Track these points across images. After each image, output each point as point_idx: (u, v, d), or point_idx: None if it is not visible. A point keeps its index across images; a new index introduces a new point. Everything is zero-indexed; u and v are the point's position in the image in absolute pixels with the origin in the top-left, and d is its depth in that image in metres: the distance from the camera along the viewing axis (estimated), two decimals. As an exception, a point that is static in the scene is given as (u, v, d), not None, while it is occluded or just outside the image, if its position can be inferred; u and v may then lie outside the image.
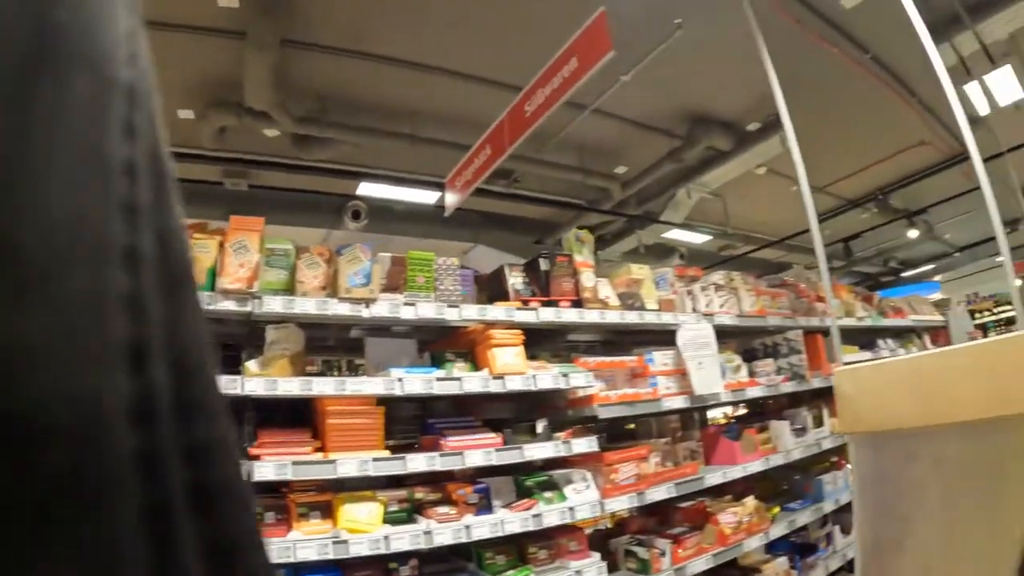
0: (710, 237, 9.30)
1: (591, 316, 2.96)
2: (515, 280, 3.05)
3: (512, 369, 2.78)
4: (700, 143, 6.97)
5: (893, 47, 6.11)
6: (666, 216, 8.68)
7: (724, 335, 4.32)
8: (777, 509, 3.94)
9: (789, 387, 4.16)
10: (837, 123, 7.64)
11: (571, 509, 2.77)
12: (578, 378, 2.89)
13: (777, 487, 4.38)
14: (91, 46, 0.25)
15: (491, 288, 3.16)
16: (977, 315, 13.57)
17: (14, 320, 0.20)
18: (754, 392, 3.88)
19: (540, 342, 3.44)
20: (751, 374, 4.10)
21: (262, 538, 0.30)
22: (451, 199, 5.73)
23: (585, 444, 2.89)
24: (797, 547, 4.00)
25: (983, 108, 6.26)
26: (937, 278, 15.23)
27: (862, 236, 11.16)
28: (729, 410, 5.47)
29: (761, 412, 4.73)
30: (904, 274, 16.37)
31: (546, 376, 2.85)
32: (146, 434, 0.23)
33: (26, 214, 0.21)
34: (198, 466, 0.26)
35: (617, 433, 3.75)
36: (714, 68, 6.04)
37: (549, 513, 2.70)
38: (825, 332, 5.37)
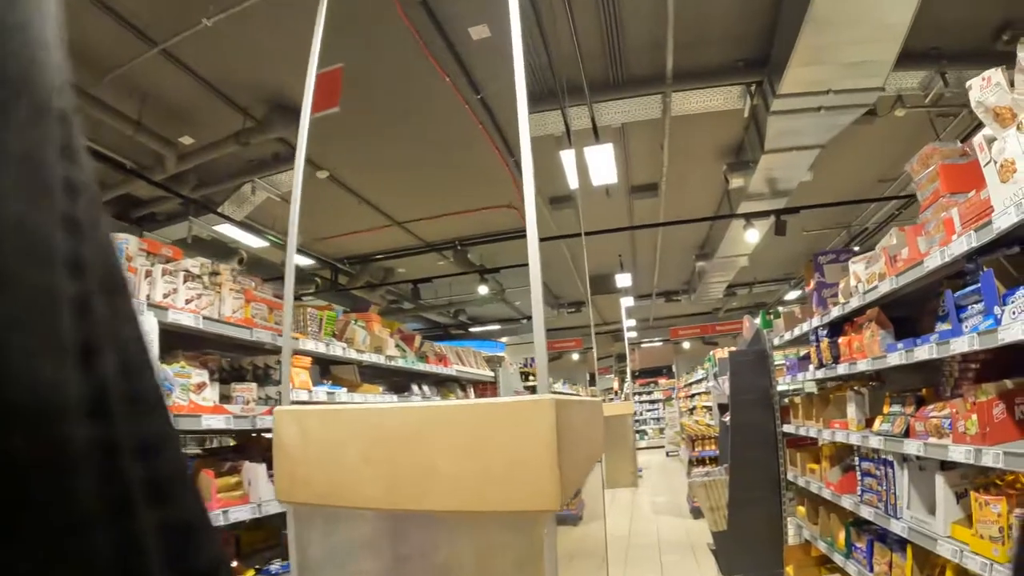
0: (267, 244, 8.35)
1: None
2: None
3: None
4: (274, 131, 6.10)
5: (505, 99, 6.08)
6: (226, 209, 7.49)
7: (206, 344, 3.40)
8: (252, 573, 3.18)
9: (270, 422, 3.39)
10: (435, 161, 7.54)
11: None
12: None
13: (273, 539, 3.59)
14: (30, 74, 0.25)
15: None
16: (532, 378, 15.17)
17: None
18: (215, 422, 3.00)
19: None
20: (225, 399, 3.24)
21: (212, 523, 0.29)
22: None
23: None
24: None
25: (575, 183, 6.65)
26: (504, 339, 16.82)
27: (433, 282, 11.53)
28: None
29: (237, 450, 3.87)
30: (473, 329, 17.82)
31: None
32: (102, 425, 0.24)
33: None
34: (149, 458, 0.26)
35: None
36: (306, 49, 5.32)
37: None
38: (345, 363, 4.86)
